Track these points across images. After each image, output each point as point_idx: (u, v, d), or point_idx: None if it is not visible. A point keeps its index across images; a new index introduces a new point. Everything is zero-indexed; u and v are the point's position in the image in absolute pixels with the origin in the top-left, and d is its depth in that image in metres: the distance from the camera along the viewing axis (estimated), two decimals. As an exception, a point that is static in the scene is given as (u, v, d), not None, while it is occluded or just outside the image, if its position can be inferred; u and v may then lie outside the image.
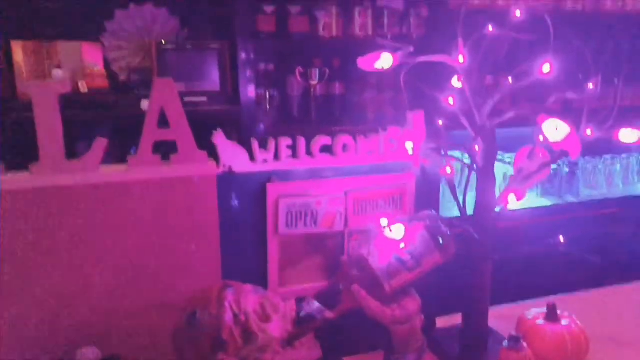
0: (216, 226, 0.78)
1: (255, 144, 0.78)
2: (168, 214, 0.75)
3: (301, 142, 0.80)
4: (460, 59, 0.78)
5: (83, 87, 1.62)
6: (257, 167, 0.79)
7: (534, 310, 0.81)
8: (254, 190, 0.79)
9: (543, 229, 0.75)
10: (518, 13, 0.77)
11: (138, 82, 1.76)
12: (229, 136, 0.78)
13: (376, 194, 0.82)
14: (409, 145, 0.78)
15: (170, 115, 0.73)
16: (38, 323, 0.73)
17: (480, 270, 0.80)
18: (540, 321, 0.78)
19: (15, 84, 1.59)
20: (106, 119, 1.63)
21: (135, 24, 1.78)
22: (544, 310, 0.79)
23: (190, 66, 1.69)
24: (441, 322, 0.87)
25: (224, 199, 0.78)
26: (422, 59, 0.81)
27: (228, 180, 0.78)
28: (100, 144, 0.72)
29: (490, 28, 0.85)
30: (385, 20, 1.81)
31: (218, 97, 1.70)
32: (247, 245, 0.81)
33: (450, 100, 0.82)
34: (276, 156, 0.79)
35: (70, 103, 1.56)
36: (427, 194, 0.87)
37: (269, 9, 1.69)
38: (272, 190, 0.78)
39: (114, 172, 0.73)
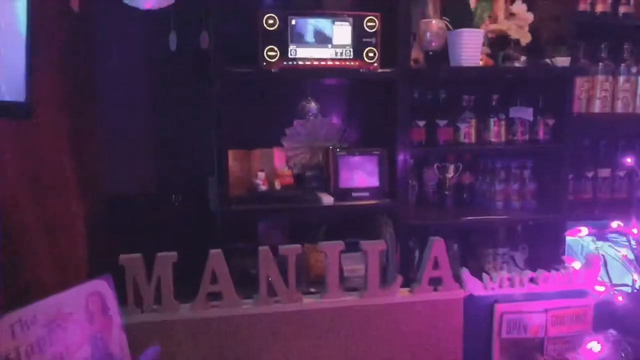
0: (461, 331, 1.26)
1: (487, 277, 1.27)
2: (434, 322, 1.25)
3: (517, 277, 1.28)
4: (634, 230, 1.23)
5: (278, 185, 2.20)
6: (488, 292, 1.27)
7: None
8: (485, 308, 1.28)
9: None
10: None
11: (311, 176, 2.33)
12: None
13: (567, 312, 1.28)
14: (598, 288, 1.23)
15: (440, 260, 1.23)
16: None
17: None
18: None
19: (228, 184, 2.20)
20: (294, 211, 2.18)
21: (307, 129, 2.37)
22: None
23: (356, 167, 2.22)
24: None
25: (466, 312, 1.27)
26: (605, 232, 1.27)
27: (469, 301, 1.27)
28: (427, 276, 1.23)
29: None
30: (517, 128, 2.28)
31: (377, 192, 2.22)
32: (478, 344, 1.29)
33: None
34: (500, 285, 1.27)
35: (269, 199, 2.15)
36: (603, 312, 1.32)
37: (421, 123, 2.22)
38: (498, 308, 1.27)
39: (405, 296, 1.24)
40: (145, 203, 2.22)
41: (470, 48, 2.07)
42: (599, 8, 2.23)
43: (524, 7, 2.30)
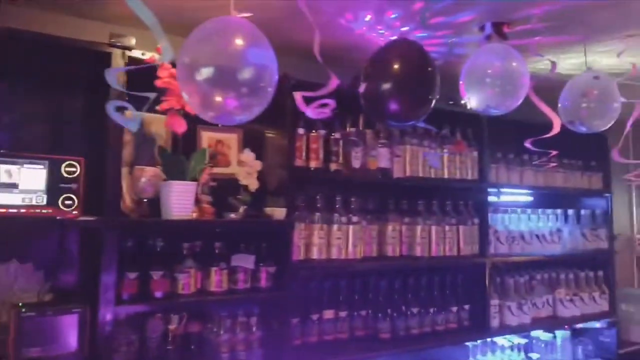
0: None
1: None
2: None
3: None
4: None
5: None
6: None
7: None
8: None
9: None
10: None
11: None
12: None
13: None
14: None
15: None
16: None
17: None
18: None
19: None
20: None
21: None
22: None
23: (50, 329, 1.98)
24: None
25: None
26: None
27: None
28: None
29: None
30: (238, 277, 2.37)
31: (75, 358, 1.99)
32: None
33: None
34: None
35: None
36: None
37: (132, 275, 2.13)
38: None
39: None
40: None
41: (181, 200, 2.14)
42: (313, 164, 2.59)
43: (252, 155, 2.55)
